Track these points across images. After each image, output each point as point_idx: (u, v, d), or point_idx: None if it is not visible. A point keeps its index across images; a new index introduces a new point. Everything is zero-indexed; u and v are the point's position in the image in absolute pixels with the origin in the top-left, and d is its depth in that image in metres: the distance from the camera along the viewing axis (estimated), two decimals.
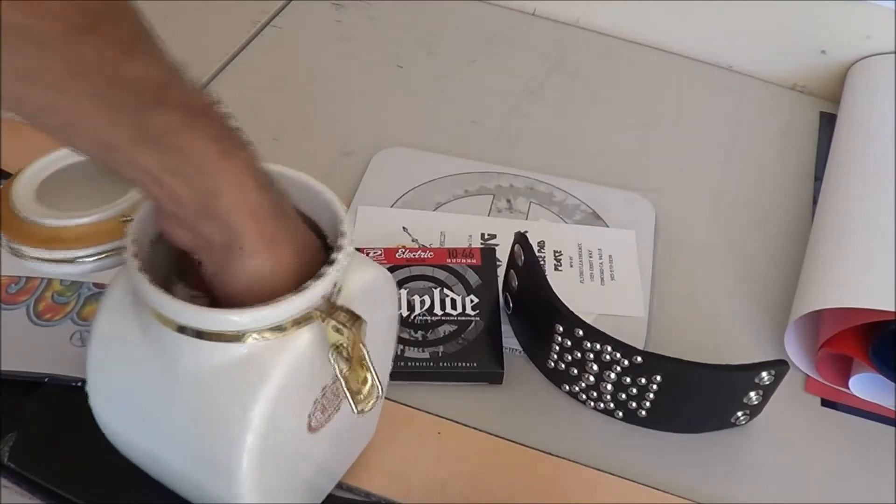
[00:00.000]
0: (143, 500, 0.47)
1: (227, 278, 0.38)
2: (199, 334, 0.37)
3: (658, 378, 0.52)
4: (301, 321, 0.38)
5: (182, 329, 0.37)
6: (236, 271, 0.37)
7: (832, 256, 0.61)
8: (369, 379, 0.39)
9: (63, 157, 0.47)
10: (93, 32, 0.31)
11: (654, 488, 0.53)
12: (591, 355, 0.54)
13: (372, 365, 0.39)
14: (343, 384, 0.39)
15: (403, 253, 0.62)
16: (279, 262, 0.38)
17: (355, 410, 0.39)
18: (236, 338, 0.37)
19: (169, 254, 0.41)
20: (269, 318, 0.37)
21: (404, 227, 0.66)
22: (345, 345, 0.38)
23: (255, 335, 0.37)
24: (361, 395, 0.39)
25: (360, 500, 0.51)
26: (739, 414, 0.55)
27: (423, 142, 0.74)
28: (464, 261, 0.61)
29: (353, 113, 0.77)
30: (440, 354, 0.56)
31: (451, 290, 0.60)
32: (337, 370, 0.39)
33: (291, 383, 0.38)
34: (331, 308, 0.38)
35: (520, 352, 0.59)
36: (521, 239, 0.57)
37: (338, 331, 0.38)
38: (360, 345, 0.38)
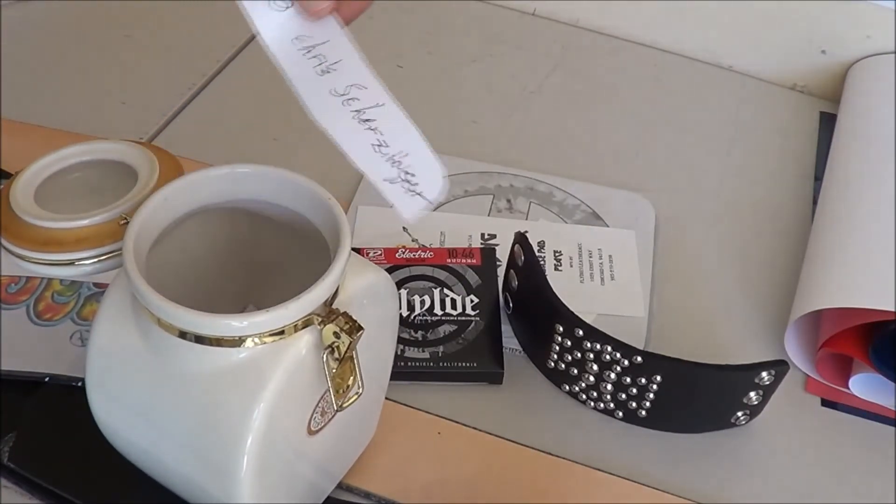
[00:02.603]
0: (143, 501, 0.47)
1: None
2: (199, 339, 0.37)
3: (658, 378, 0.52)
4: (300, 325, 0.38)
5: (182, 334, 0.38)
6: None
7: (832, 256, 0.61)
8: (353, 380, 0.40)
9: (62, 158, 0.46)
10: None
11: (654, 488, 0.53)
12: (591, 355, 0.54)
13: (359, 367, 0.40)
14: (329, 381, 0.39)
15: (403, 253, 0.62)
16: None
17: (335, 406, 0.40)
18: (236, 342, 0.37)
19: (169, 255, 0.41)
20: (268, 323, 0.37)
21: (404, 227, 0.66)
22: (340, 348, 0.38)
23: (254, 339, 0.37)
24: (341, 392, 0.40)
25: (360, 501, 0.51)
26: (739, 414, 0.55)
27: None
28: (464, 261, 0.61)
29: None
30: (440, 354, 0.56)
31: (451, 290, 0.60)
32: (326, 368, 0.39)
33: (291, 387, 0.38)
34: (330, 313, 0.38)
35: (520, 352, 0.59)
36: (521, 239, 0.57)
37: (336, 335, 0.38)
38: (354, 350, 0.39)
